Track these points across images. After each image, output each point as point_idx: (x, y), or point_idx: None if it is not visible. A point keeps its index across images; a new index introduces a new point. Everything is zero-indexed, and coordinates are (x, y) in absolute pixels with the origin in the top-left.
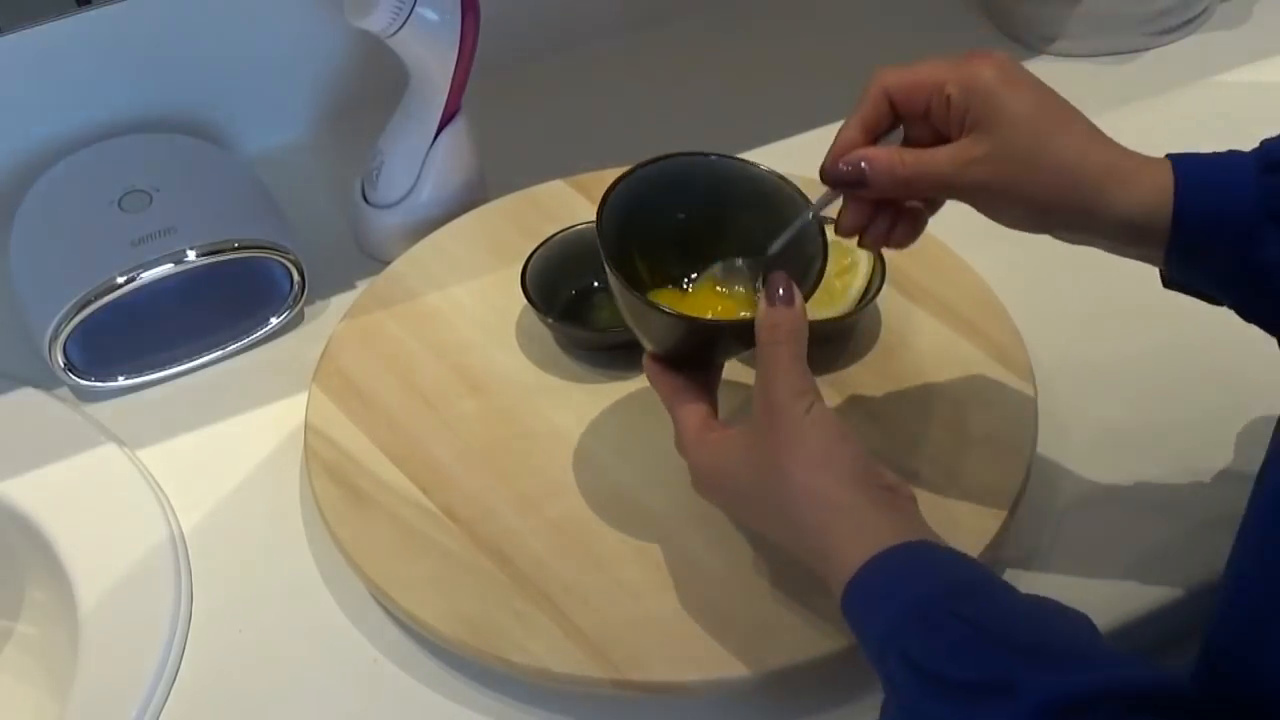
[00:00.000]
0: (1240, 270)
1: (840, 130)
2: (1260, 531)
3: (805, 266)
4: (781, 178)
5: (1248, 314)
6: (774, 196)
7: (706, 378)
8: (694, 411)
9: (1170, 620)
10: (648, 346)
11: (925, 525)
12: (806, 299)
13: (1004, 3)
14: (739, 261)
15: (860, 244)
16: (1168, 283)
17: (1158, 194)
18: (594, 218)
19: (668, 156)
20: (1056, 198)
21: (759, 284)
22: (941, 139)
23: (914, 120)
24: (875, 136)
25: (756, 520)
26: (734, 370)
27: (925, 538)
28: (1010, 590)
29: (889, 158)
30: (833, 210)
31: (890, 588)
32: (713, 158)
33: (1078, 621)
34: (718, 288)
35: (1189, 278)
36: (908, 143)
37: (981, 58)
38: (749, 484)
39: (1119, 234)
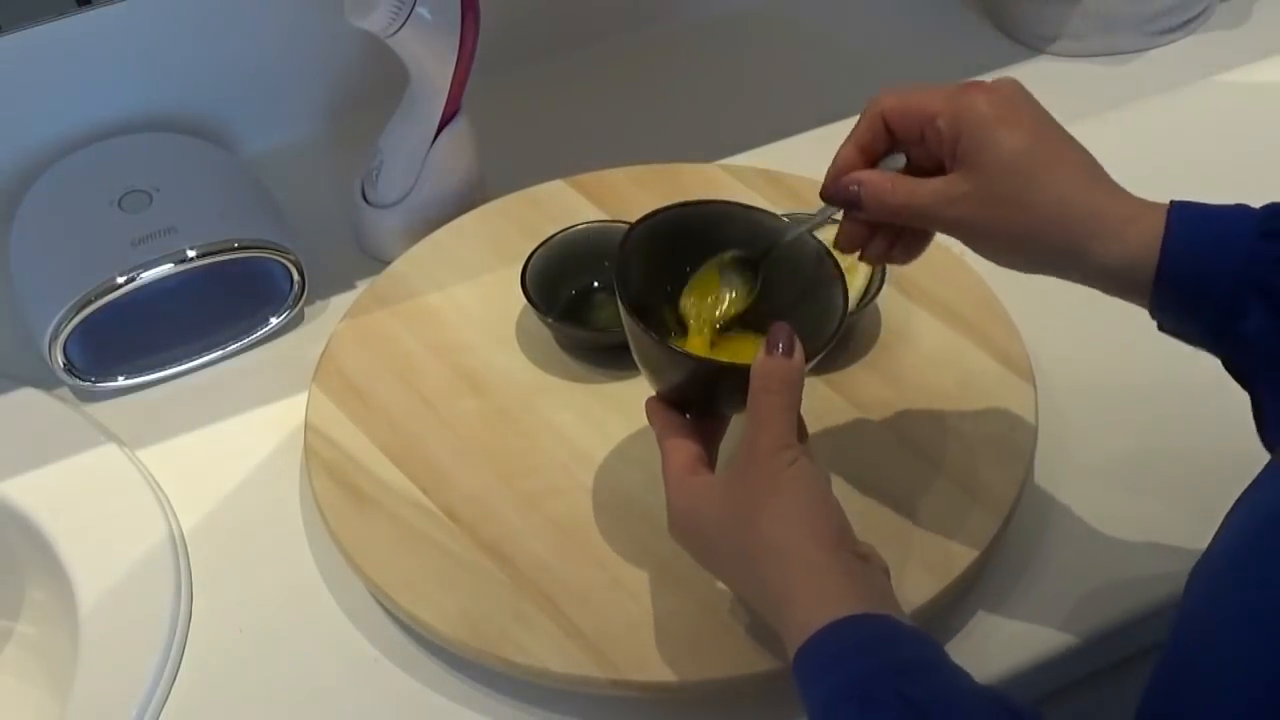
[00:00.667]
0: (1222, 334)
1: (839, 150)
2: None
3: (822, 321)
4: (812, 235)
5: (1232, 373)
6: (802, 254)
7: (709, 426)
8: (683, 450)
9: (1164, 625)
10: (653, 386)
11: (892, 599)
12: (814, 355)
13: (1004, 3)
14: (729, 255)
15: (861, 259)
16: (1162, 328)
17: (1145, 244)
18: (594, 218)
19: (698, 203)
20: (1038, 241)
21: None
22: (942, 165)
23: (912, 145)
24: (872, 158)
25: (722, 569)
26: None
27: (889, 611)
28: (962, 677)
29: (881, 184)
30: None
31: (840, 657)
32: (741, 207)
33: (1024, 717)
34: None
35: (1178, 330)
36: (910, 167)
37: (978, 89)
38: (719, 530)
39: (1104, 281)
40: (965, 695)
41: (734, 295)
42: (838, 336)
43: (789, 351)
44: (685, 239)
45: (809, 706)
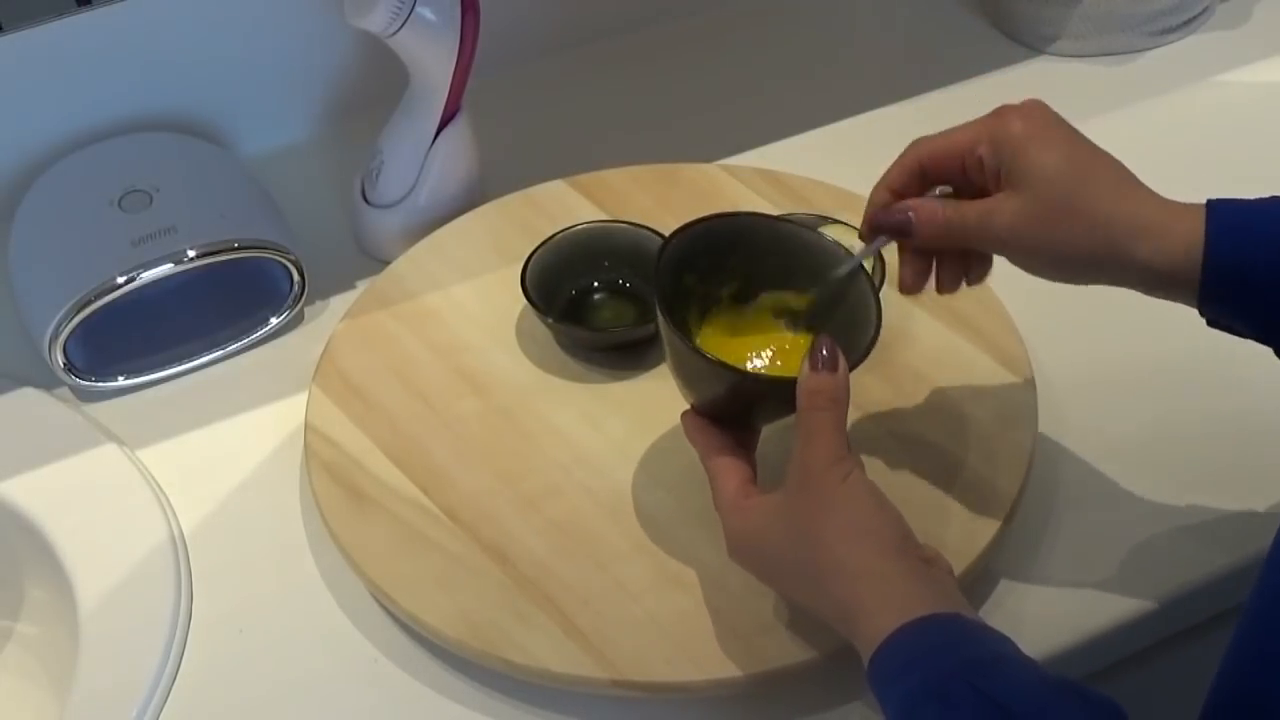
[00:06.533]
0: (1273, 324)
1: (872, 193)
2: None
3: (857, 333)
4: (847, 250)
5: None
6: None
7: (747, 438)
8: (733, 471)
9: (1165, 623)
10: (689, 400)
11: (960, 598)
12: (854, 367)
13: (1004, 3)
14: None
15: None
16: (1212, 324)
17: (1188, 244)
18: (594, 218)
19: (737, 214)
20: (1085, 250)
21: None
22: (984, 196)
23: (953, 183)
24: (903, 199)
25: (789, 587)
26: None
27: (958, 610)
28: (1035, 669)
29: (931, 207)
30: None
31: (915, 659)
32: (784, 223)
33: (1103, 706)
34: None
35: (1228, 324)
36: (954, 198)
37: (1011, 111)
38: (781, 551)
39: (1151, 283)
40: (1040, 687)
41: (786, 347)
42: (874, 348)
43: (833, 366)
44: (718, 250)
45: (887, 711)
